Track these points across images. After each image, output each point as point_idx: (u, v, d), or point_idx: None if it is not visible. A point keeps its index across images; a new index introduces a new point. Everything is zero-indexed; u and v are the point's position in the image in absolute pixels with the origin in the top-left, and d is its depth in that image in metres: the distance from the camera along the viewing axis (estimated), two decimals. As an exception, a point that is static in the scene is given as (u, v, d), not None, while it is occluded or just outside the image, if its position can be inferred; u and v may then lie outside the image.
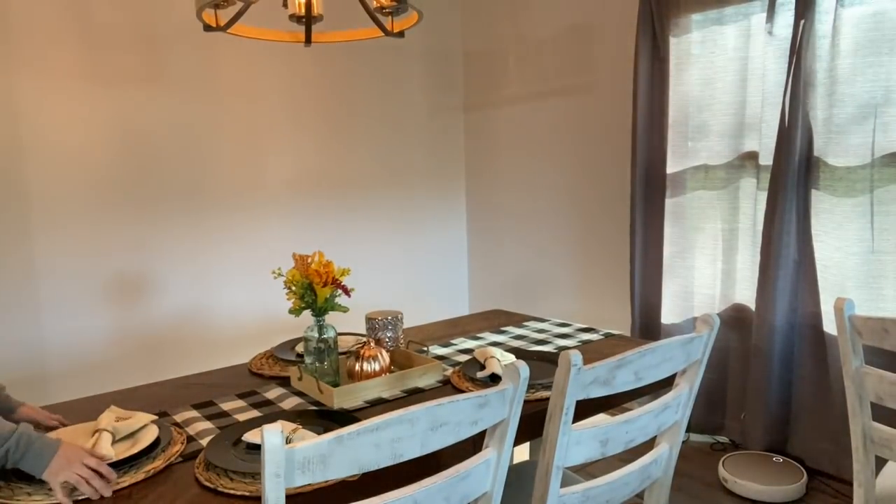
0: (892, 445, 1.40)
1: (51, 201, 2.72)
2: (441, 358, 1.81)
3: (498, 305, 3.92)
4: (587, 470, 2.37)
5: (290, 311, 1.57)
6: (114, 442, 1.23)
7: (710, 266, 2.84)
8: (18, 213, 2.65)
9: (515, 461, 1.80)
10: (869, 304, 2.36)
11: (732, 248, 2.75)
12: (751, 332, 2.66)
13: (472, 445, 1.08)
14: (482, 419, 0.99)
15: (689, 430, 2.85)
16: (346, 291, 1.59)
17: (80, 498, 1.07)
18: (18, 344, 2.70)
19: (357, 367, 1.56)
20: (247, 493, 1.07)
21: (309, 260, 1.57)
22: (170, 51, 2.94)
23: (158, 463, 1.18)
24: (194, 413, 1.45)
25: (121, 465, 1.16)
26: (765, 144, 2.58)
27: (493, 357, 1.59)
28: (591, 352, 1.80)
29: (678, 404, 1.35)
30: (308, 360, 1.59)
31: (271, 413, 1.42)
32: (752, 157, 2.64)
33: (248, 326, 3.25)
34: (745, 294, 2.72)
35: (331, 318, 3.09)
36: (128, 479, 1.12)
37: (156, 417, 1.33)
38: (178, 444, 1.25)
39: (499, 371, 1.53)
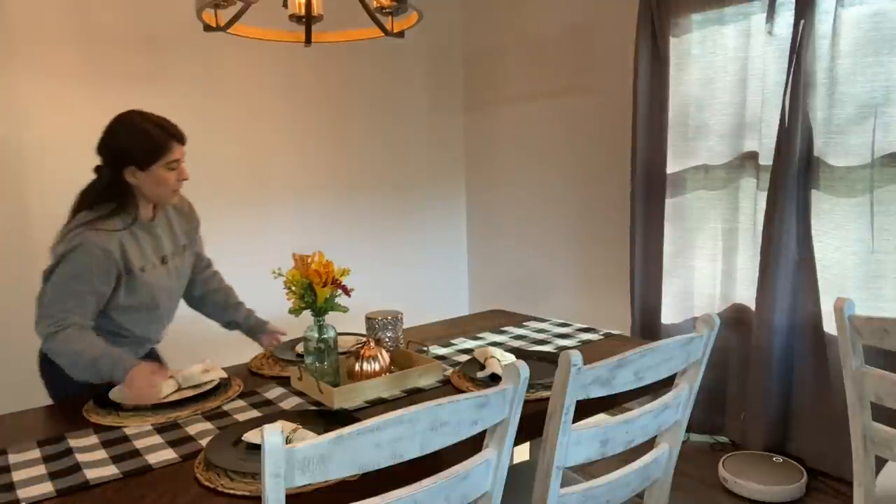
0: (892, 445, 1.40)
1: (51, 201, 2.71)
2: (441, 358, 1.81)
3: (498, 305, 3.92)
4: (587, 470, 2.37)
5: (290, 311, 1.57)
6: (179, 389, 1.53)
7: (710, 266, 2.84)
8: (18, 212, 2.65)
9: (515, 461, 1.80)
10: (869, 304, 2.36)
11: (732, 248, 2.75)
12: (751, 332, 2.66)
13: (472, 445, 1.08)
14: (482, 419, 0.99)
15: (689, 430, 2.85)
16: (346, 291, 1.59)
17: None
18: (19, 343, 2.69)
19: (357, 367, 1.56)
20: (247, 493, 1.07)
21: (309, 260, 1.57)
22: (170, 51, 2.94)
23: (209, 404, 1.49)
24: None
25: (182, 404, 1.48)
26: (765, 144, 2.58)
27: (493, 357, 1.59)
28: (591, 352, 1.80)
29: (678, 404, 1.35)
30: (308, 360, 1.59)
31: (271, 413, 1.42)
32: (752, 157, 2.64)
33: (248, 326, 3.24)
34: (745, 294, 2.72)
35: (331, 318, 3.08)
36: (177, 414, 1.43)
37: (225, 375, 1.61)
38: (217, 401, 1.50)
39: (499, 371, 1.53)
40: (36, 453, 1.25)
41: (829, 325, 2.44)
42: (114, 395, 1.52)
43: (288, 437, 1.19)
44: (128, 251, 1.62)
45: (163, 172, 1.61)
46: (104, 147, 1.63)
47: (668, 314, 2.94)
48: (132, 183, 1.62)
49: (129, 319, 1.72)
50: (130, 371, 1.49)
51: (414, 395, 1.53)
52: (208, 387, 1.55)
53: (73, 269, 1.55)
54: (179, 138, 1.64)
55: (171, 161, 1.61)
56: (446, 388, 1.57)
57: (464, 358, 1.80)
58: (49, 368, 1.68)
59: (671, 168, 2.86)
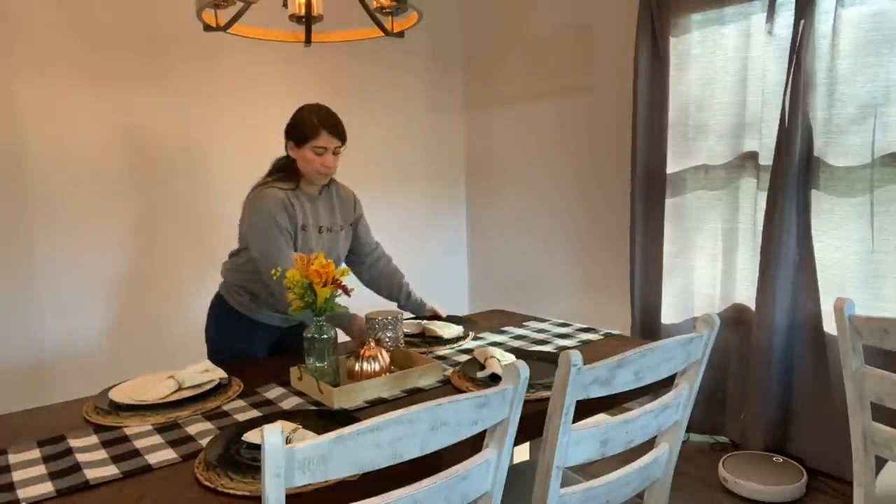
0: (892, 445, 1.40)
1: (51, 200, 2.72)
2: (441, 358, 1.81)
3: (498, 305, 3.92)
4: (587, 470, 2.37)
5: (291, 311, 1.57)
6: (179, 389, 1.53)
7: (710, 266, 2.84)
8: (19, 211, 2.65)
9: (515, 461, 1.80)
10: (869, 304, 2.36)
11: (732, 248, 2.75)
12: (751, 332, 2.66)
13: (472, 445, 1.08)
14: (482, 419, 0.99)
15: (689, 430, 2.85)
16: (347, 291, 1.59)
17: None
18: (20, 341, 2.70)
19: (357, 367, 1.56)
20: (247, 493, 1.07)
21: (309, 260, 1.56)
22: (170, 51, 2.94)
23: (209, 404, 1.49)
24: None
25: (182, 404, 1.48)
26: (765, 144, 2.58)
27: (493, 357, 1.59)
28: (591, 352, 1.80)
29: (678, 404, 1.35)
30: (308, 360, 1.59)
31: (271, 413, 1.42)
32: (752, 157, 2.64)
33: (248, 326, 3.24)
34: (745, 294, 2.72)
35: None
36: (176, 415, 1.42)
37: (224, 375, 1.62)
38: (217, 401, 1.50)
39: (499, 371, 1.53)
40: (36, 453, 1.25)
41: (829, 325, 2.44)
42: (115, 394, 1.52)
43: (288, 437, 1.19)
44: (295, 208, 1.91)
45: (309, 153, 1.88)
46: (286, 126, 1.96)
47: (668, 314, 2.94)
48: (293, 156, 1.93)
49: None
50: (354, 315, 1.84)
51: (414, 395, 1.53)
52: (208, 387, 1.55)
53: (263, 217, 1.86)
54: (332, 130, 1.89)
55: (317, 146, 1.87)
56: (446, 388, 1.57)
57: (464, 358, 1.80)
58: (220, 313, 2.05)
59: (671, 168, 2.86)
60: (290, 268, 1.76)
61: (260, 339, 2.04)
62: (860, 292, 2.39)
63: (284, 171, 1.95)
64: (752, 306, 2.66)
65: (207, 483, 1.10)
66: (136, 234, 2.92)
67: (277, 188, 1.90)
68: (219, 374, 1.61)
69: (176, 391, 1.52)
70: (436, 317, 2.17)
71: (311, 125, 1.89)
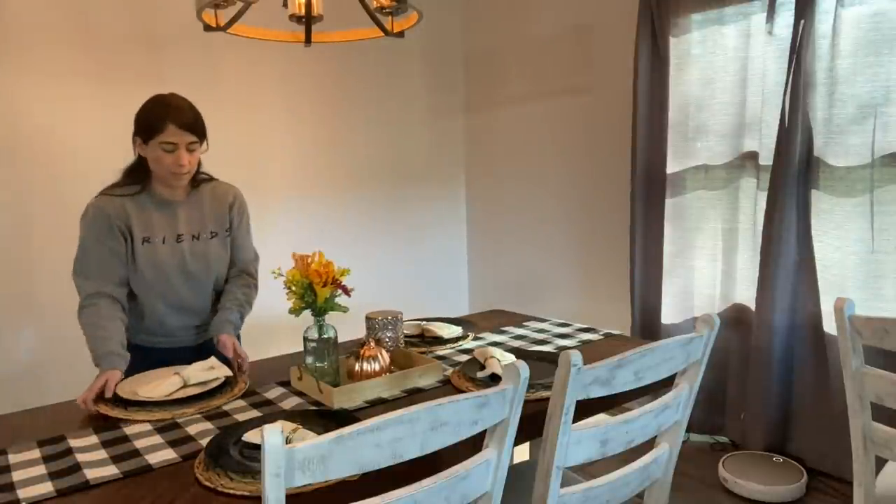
0: (892, 445, 1.40)
1: (51, 200, 2.72)
2: (441, 358, 1.81)
3: (498, 306, 3.92)
4: (587, 470, 2.37)
5: (290, 311, 1.57)
6: (184, 386, 1.53)
7: (710, 266, 2.84)
8: (18, 210, 2.65)
9: (515, 461, 1.80)
10: (869, 304, 2.36)
11: (732, 248, 2.75)
12: (751, 332, 2.66)
13: (472, 445, 1.08)
14: (482, 419, 0.99)
15: (689, 430, 2.85)
16: (347, 291, 1.59)
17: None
18: (20, 340, 2.70)
19: (357, 367, 1.56)
20: (247, 493, 1.07)
21: (309, 260, 1.57)
22: (170, 51, 2.94)
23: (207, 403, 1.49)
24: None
25: (187, 401, 1.48)
26: (765, 144, 2.58)
27: (493, 357, 1.59)
28: (591, 352, 1.80)
29: (678, 404, 1.35)
30: (308, 360, 1.59)
31: (271, 413, 1.42)
32: (752, 157, 2.64)
33: (247, 326, 3.24)
34: (745, 294, 2.72)
35: (330, 318, 3.08)
36: (183, 412, 1.43)
37: (230, 373, 1.61)
38: (223, 399, 1.51)
39: (499, 371, 1.53)
40: (36, 453, 1.25)
41: (829, 325, 2.44)
42: (120, 390, 1.52)
43: (288, 437, 1.19)
44: (131, 218, 1.70)
45: (158, 151, 1.65)
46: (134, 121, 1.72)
47: (668, 314, 2.94)
48: (142, 155, 1.70)
49: (146, 303, 1.78)
50: (101, 373, 1.55)
51: (414, 395, 1.52)
52: (214, 384, 1.55)
53: (85, 231, 1.70)
54: (180, 123, 1.64)
55: (164, 142, 1.64)
56: (446, 388, 1.57)
57: (464, 358, 1.80)
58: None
59: (671, 168, 2.86)
60: (98, 307, 1.64)
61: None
62: (860, 292, 2.39)
63: (134, 173, 1.73)
64: (752, 306, 2.66)
65: (207, 483, 1.10)
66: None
67: (113, 195, 1.69)
68: (224, 371, 1.61)
69: (181, 388, 1.53)
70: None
71: (156, 118, 1.63)
